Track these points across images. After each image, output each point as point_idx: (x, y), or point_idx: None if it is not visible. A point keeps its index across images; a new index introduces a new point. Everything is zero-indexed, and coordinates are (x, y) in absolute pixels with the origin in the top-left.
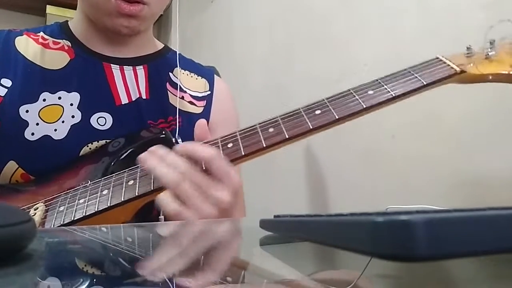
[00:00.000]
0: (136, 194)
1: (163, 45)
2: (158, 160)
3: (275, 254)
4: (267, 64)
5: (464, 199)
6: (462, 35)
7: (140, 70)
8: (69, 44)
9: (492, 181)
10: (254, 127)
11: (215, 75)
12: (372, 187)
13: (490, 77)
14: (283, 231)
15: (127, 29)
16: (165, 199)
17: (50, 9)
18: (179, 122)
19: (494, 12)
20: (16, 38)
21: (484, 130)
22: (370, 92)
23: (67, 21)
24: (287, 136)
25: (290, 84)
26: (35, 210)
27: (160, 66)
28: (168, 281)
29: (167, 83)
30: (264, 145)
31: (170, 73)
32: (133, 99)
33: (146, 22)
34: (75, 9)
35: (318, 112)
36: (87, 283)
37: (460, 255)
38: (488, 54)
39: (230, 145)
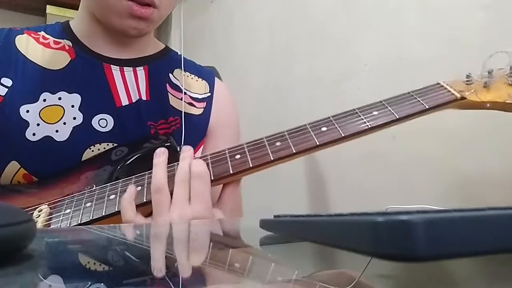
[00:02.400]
0: (144, 200)
1: (164, 46)
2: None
3: (275, 254)
4: (268, 64)
5: (464, 199)
6: (462, 36)
7: (140, 71)
8: (70, 44)
9: (492, 181)
10: (261, 140)
11: (215, 78)
12: (372, 187)
13: (488, 105)
14: (283, 231)
15: (135, 30)
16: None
17: (50, 9)
18: (178, 123)
19: (493, 13)
20: (17, 37)
21: (484, 130)
22: (375, 112)
23: (68, 21)
24: (294, 151)
25: (290, 84)
26: (39, 212)
27: (160, 67)
28: (169, 280)
29: (167, 84)
30: (272, 158)
31: (170, 74)
32: (134, 100)
33: (154, 25)
34: (75, 9)
35: (324, 129)
36: (87, 283)
37: (460, 255)
38: (486, 83)
39: (237, 156)
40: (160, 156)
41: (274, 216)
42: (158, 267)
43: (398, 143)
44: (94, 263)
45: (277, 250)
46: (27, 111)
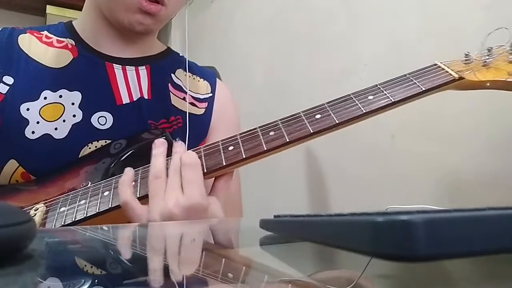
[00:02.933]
0: (138, 195)
1: (166, 47)
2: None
3: (275, 254)
4: (268, 63)
5: (464, 199)
6: (462, 36)
7: (143, 70)
8: (73, 43)
9: (492, 181)
10: (255, 130)
11: (217, 79)
12: (372, 187)
13: (488, 84)
14: (283, 231)
15: (141, 26)
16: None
17: (50, 9)
18: (179, 123)
19: (494, 13)
20: (20, 36)
21: (484, 129)
22: (370, 97)
23: (71, 21)
24: (287, 140)
25: (291, 83)
26: (35, 210)
27: (162, 67)
28: (168, 280)
29: (169, 84)
30: (265, 149)
31: (172, 74)
32: (135, 99)
33: (160, 23)
34: (75, 9)
35: (318, 116)
36: (87, 283)
37: (460, 255)
38: (485, 61)
39: (231, 148)
40: (160, 146)
41: (274, 216)
42: (157, 267)
43: (397, 143)
44: (95, 264)
45: (277, 250)
46: (28, 109)
